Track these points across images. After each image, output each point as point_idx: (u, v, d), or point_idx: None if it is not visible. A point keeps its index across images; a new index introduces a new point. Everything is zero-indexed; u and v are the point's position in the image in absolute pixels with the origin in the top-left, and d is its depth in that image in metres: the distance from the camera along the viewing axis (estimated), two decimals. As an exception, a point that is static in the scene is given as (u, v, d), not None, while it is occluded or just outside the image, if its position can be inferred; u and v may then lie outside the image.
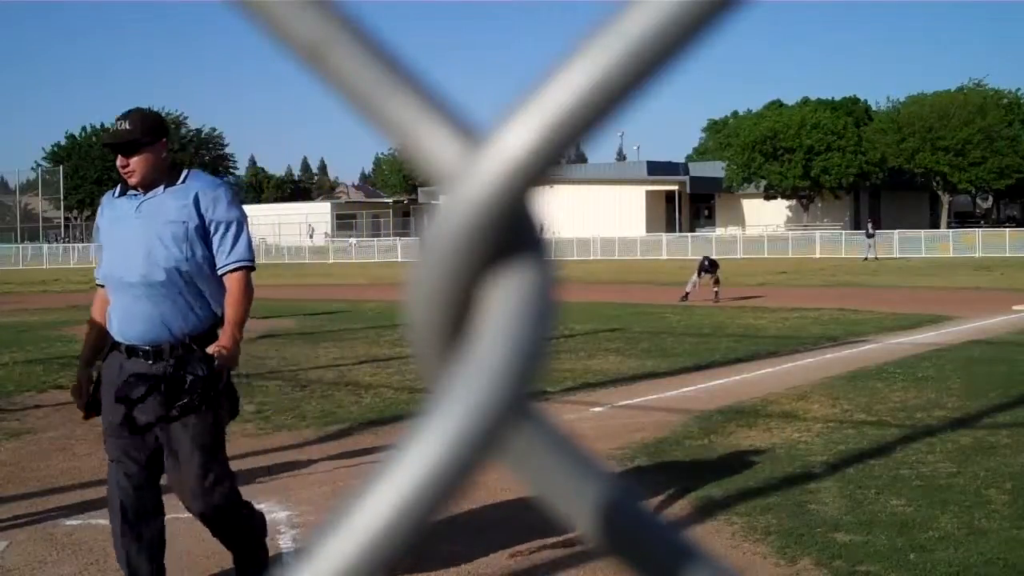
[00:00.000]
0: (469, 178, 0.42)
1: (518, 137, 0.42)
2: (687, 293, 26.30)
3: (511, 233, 0.43)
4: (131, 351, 5.03)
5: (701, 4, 0.40)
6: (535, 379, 0.42)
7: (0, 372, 14.38)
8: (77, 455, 9.42)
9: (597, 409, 11.17)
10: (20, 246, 76.16)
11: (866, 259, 51.96)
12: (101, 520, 7.42)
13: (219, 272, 5.08)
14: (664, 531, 0.48)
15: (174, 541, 6.95)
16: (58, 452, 9.53)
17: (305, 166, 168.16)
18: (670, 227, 77.31)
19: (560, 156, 0.42)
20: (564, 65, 0.42)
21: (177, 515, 7.57)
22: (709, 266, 26.85)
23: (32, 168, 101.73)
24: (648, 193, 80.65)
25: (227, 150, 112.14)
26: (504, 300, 0.43)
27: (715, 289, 25.95)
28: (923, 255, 56.00)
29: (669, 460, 8.77)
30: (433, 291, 0.43)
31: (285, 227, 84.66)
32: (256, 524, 5.61)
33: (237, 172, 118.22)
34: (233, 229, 5.07)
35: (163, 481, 5.34)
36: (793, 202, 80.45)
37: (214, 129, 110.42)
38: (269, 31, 0.45)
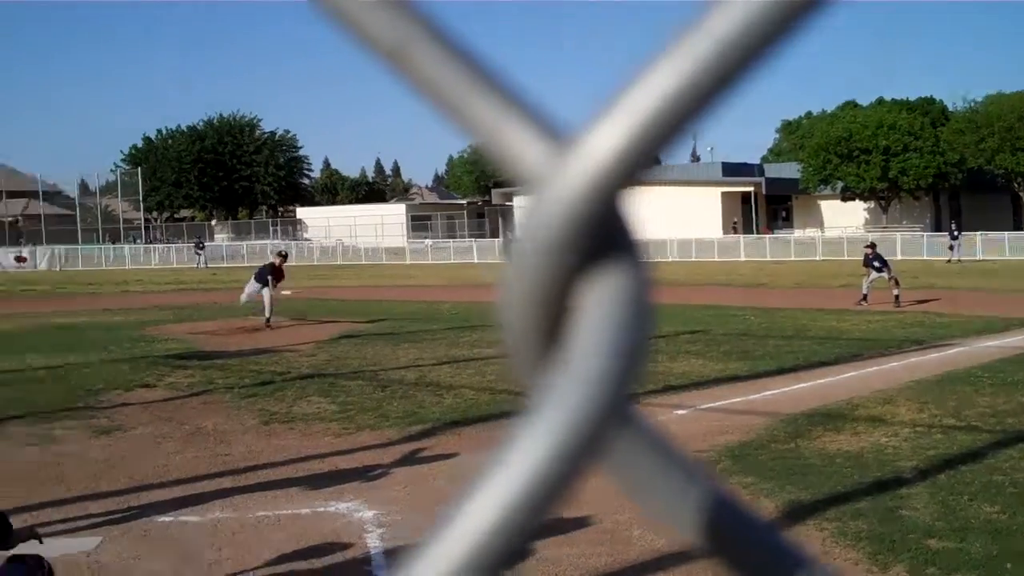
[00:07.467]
0: (559, 179, 0.42)
1: (608, 138, 0.42)
2: (865, 296, 24.21)
3: (604, 235, 0.43)
4: None
5: (789, 4, 0.39)
6: (634, 382, 0.41)
7: (88, 371, 14.66)
8: (165, 453, 9.60)
9: (680, 412, 11.09)
10: (102, 247, 77.65)
11: (950, 261, 51.09)
12: (192, 517, 7.56)
13: None
14: (767, 533, 0.48)
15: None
16: (147, 450, 9.72)
17: (379, 168, 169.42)
18: (747, 229, 76.62)
19: (650, 157, 0.42)
20: (652, 66, 0.41)
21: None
22: (877, 262, 24.35)
23: (111, 170, 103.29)
24: (724, 195, 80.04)
25: (301, 152, 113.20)
26: (600, 303, 0.42)
27: (895, 292, 23.76)
28: (1007, 257, 54.82)
29: (755, 463, 8.69)
30: (527, 294, 0.43)
31: (360, 228, 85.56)
32: None
33: (312, 174, 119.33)
34: None
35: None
36: (871, 204, 79.29)
37: (288, 131, 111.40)
38: (351, 33, 0.45)
